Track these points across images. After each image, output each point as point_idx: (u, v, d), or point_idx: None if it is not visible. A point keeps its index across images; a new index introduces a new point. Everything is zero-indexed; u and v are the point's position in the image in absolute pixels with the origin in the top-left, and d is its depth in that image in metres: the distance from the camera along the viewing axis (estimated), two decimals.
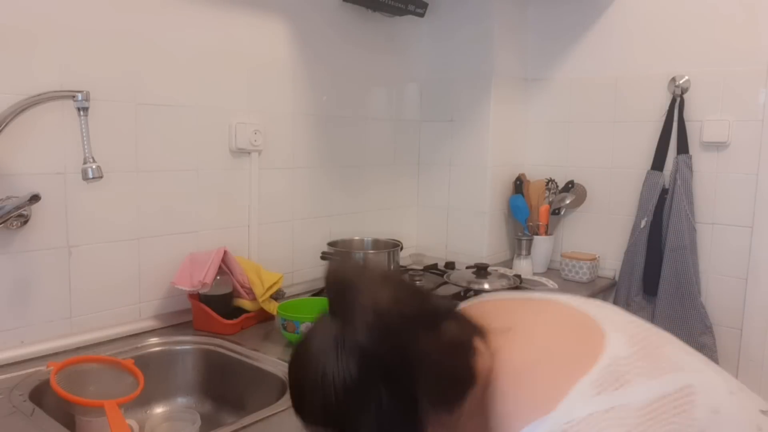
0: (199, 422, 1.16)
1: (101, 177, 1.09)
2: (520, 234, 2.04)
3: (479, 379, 0.66)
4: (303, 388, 0.67)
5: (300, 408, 0.68)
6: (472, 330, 0.68)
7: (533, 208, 2.07)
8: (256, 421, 0.96)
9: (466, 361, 0.66)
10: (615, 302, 1.97)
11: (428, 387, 0.63)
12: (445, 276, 1.74)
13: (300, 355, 0.68)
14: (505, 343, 0.67)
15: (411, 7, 1.89)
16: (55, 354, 1.20)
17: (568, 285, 1.89)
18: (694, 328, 1.78)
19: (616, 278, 2.00)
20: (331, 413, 0.64)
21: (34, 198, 1.07)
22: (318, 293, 1.68)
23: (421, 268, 1.98)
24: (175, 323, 1.41)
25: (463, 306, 0.79)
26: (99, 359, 1.14)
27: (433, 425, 0.65)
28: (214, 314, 1.35)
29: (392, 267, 1.66)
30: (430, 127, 2.16)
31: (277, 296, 1.48)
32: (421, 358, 0.63)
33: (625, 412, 0.61)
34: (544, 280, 1.91)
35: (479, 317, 0.70)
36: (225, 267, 1.41)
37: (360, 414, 0.62)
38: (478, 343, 0.67)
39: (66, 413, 1.02)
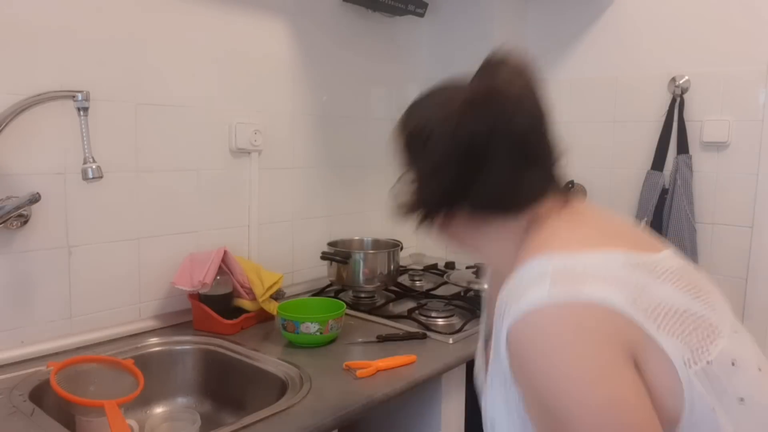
0: (199, 422, 1.16)
1: (101, 177, 1.09)
2: None
3: (540, 209, 0.71)
4: (430, 120, 0.73)
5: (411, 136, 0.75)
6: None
7: None
8: (256, 421, 0.96)
9: (554, 166, 0.74)
10: None
11: (533, 161, 0.71)
12: (445, 276, 1.74)
13: (434, 95, 0.77)
14: (571, 214, 0.71)
15: (411, 7, 1.89)
16: (55, 354, 1.20)
17: None
18: None
19: None
20: (449, 151, 0.71)
21: (34, 198, 1.07)
22: (318, 293, 1.68)
23: (421, 268, 1.98)
24: (175, 323, 1.41)
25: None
26: (99, 359, 1.14)
27: (490, 221, 0.73)
28: (214, 314, 1.35)
29: (392, 267, 1.66)
30: None
31: (277, 296, 1.48)
32: (540, 138, 0.72)
33: (646, 290, 0.59)
34: None
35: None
36: (225, 267, 1.41)
37: (475, 161, 0.69)
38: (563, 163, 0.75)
39: (66, 413, 1.02)
